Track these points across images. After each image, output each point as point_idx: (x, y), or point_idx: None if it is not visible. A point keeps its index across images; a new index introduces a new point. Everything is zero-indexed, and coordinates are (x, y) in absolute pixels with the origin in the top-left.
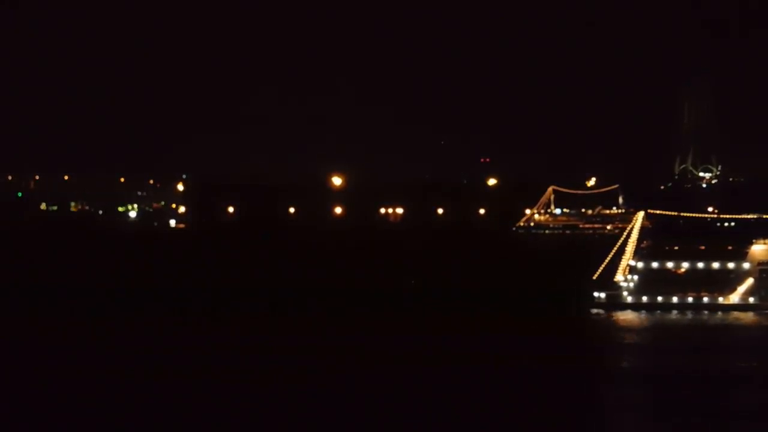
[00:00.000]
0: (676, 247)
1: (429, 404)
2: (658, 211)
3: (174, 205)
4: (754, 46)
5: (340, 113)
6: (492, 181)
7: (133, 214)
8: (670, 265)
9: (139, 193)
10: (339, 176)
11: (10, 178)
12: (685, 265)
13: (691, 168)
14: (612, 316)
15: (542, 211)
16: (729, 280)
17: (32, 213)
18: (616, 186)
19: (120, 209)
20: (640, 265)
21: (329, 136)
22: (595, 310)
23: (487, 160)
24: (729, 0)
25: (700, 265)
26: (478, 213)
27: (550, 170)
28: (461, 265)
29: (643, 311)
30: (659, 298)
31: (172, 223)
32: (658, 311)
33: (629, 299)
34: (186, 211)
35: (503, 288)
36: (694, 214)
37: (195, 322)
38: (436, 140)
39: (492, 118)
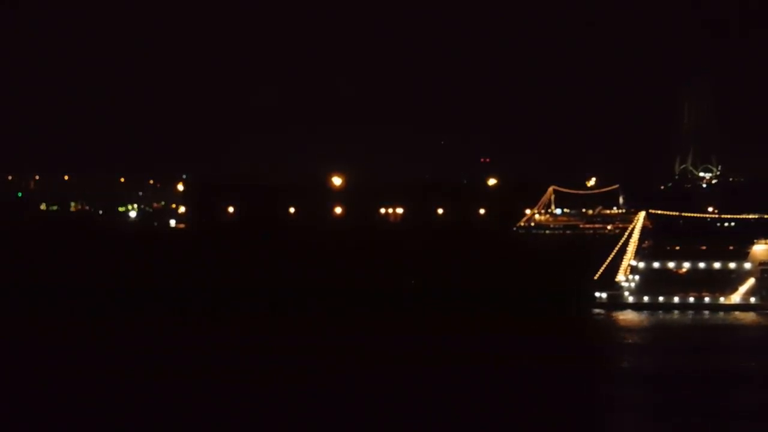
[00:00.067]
0: (678, 247)
1: (429, 404)
2: (659, 211)
3: (174, 205)
4: (754, 46)
5: (340, 113)
6: (492, 181)
7: (133, 214)
8: (671, 265)
9: (140, 193)
10: (339, 176)
11: (10, 178)
12: (687, 265)
13: (691, 168)
14: (613, 316)
15: (543, 211)
16: (730, 280)
17: (32, 213)
18: (616, 186)
19: (120, 209)
20: (641, 265)
21: (329, 136)
22: (596, 310)
23: (487, 160)
24: (729, 0)
25: (702, 265)
26: (478, 213)
27: (550, 170)
28: (461, 265)
29: (645, 311)
30: (660, 298)
31: (172, 223)
32: (660, 311)
33: (630, 299)
34: (186, 211)
35: (503, 288)
36: (695, 214)
37: (195, 322)
38: (436, 140)
39: (492, 118)
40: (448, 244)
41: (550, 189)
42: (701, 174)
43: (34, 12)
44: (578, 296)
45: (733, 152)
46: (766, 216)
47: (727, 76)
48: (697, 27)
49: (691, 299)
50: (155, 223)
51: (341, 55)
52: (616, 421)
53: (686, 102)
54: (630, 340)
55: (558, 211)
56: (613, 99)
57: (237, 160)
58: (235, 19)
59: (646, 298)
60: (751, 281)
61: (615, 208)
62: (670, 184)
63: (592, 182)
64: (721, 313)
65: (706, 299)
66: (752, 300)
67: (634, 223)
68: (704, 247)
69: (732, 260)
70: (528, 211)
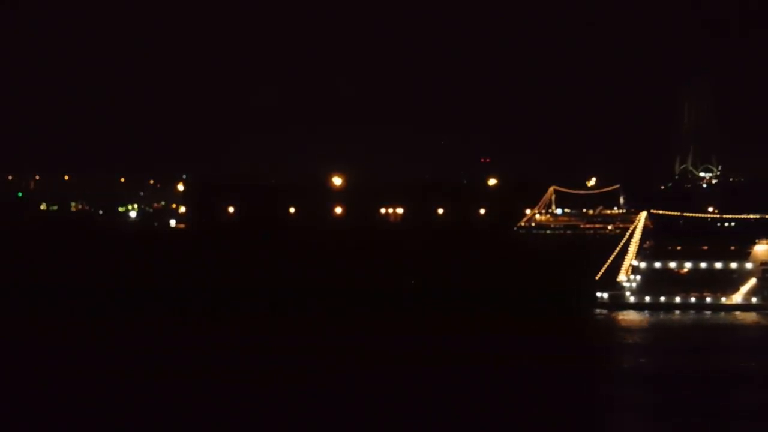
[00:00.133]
0: (679, 248)
1: (429, 404)
2: (661, 212)
3: (174, 205)
4: (754, 46)
5: (340, 113)
6: (492, 181)
7: (133, 214)
8: (672, 265)
9: (141, 193)
10: (339, 176)
11: (10, 178)
12: (688, 265)
13: (691, 168)
14: (614, 316)
15: (543, 211)
16: (732, 281)
17: (32, 213)
18: (617, 186)
19: (120, 209)
20: (642, 265)
21: (329, 136)
22: (597, 310)
23: (487, 160)
24: (729, 0)
25: (703, 265)
26: (478, 213)
27: (550, 170)
28: (461, 265)
29: (646, 311)
30: (662, 299)
31: (172, 223)
32: (661, 311)
33: (632, 299)
34: (186, 211)
35: (504, 288)
36: (696, 215)
37: (195, 322)
38: (436, 140)
39: (492, 118)
40: (448, 244)
41: (551, 189)
42: (701, 174)
43: (34, 12)
44: (579, 296)
45: (733, 152)
46: (767, 216)
47: (727, 76)
48: (697, 27)
49: (693, 299)
50: (155, 223)
51: (341, 55)
52: (616, 421)
53: (686, 102)
54: (631, 340)
55: (558, 211)
56: (613, 99)
57: (237, 160)
58: (235, 19)
59: (647, 298)
60: (753, 281)
61: (615, 208)
62: (670, 184)
63: (592, 182)
64: (723, 313)
65: (708, 299)
66: (754, 300)
67: (635, 223)
68: (705, 247)
69: (733, 260)
70: (528, 211)
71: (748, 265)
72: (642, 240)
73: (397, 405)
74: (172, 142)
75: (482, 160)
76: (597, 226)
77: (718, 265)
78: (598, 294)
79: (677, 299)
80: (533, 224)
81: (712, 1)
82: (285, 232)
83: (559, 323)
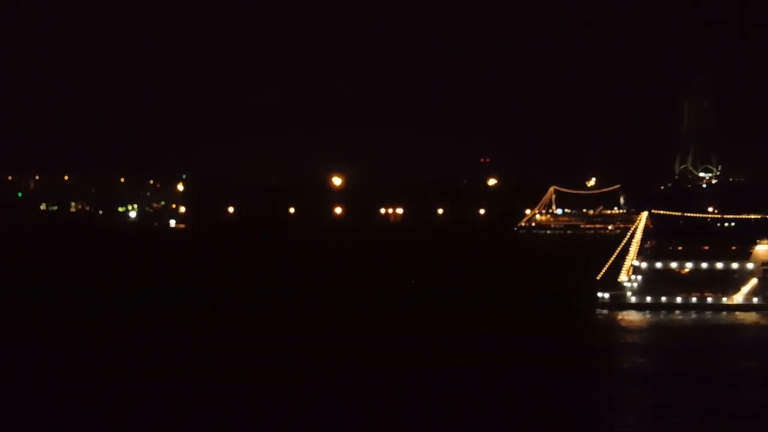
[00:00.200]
0: (680, 248)
1: (429, 404)
2: (662, 212)
3: (174, 205)
4: (754, 46)
5: (340, 113)
6: (492, 181)
7: (133, 214)
8: (673, 265)
9: (146, 193)
10: (339, 176)
11: (10, 178)
12: (689, 265)
13: (691, 168)
14: (616, 316)
15: (543, 211)
16: (733, 281)
17: (32, 213)
18: (617, 186)
19: (120, 209)
20: (643, 265)
21: (329, 136)
22: (598, 310)
23: (487, 160)
24: (729, 0)
25: (704, 265)
26: (478, 213)
27: (550, 170)
28: (461, 265)
29: (647, 311)
30: (663, 299)
31: (172, 223)
32: (662, 311)
33: (633, 299)
34: (186, 211)
35: (504, 288)
36: (698, 215)
37: (195, 322)
38: (436, 140)
39: (492, 118)
40: (448, 244)
41: (551, 189)
42: (701, 174)
43: (34, 12)
44: (580, 296)
45: (733, 152)
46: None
47: (727, 76)
48: (697, 27)
49: (694, 299)
50: (155, 223)
51: (341, 55)
52: (616, 421)
53: (686, 102)
54: (632, 340)
55: (559, 211)
56: (613, 99)
57: (237, 160)
58: (235, 20)
59: (648, 299)
60: (754, 281)
61: (616, 208)
62: (670, 184)
63: (592, 182)
64: (724, 314)
65: (709, 299)
66: (755, 300)
67: (636, 224)
68: (707, 248)
69: (734, 260)
70: (528, 211)
71: (749, 266)
72: (643, 240)
73: (397, 405)
74: (172, 142)
75: (482, 160)
76: (597, 226)
77: (720, 265)
78: (599, 294)
79: (678, 299)
80: (534, 224)
81: (712, 1)
82: (285, 232)
83: (559, 323)
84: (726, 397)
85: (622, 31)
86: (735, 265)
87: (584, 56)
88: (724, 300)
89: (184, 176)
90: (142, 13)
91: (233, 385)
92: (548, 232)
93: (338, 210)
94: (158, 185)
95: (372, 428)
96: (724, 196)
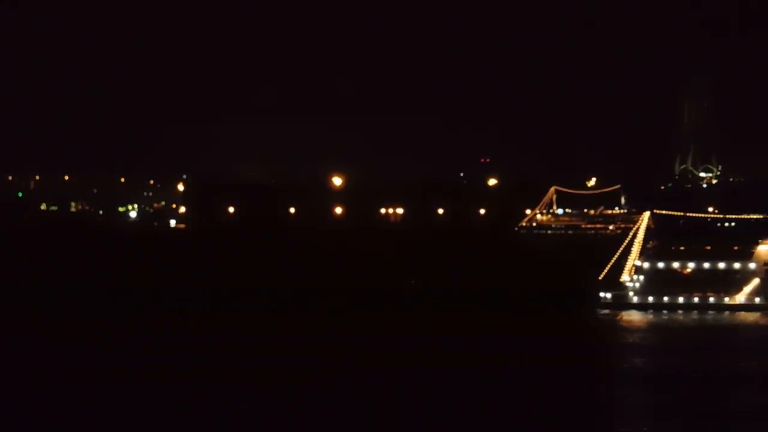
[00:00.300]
0: (682, 248)
1: (429, 404)
2: (664, 212)
3: (174, 205)
4: (754, 46)
5: (340, 113)
6: (492, 181)
7: (133, 214)
8: (676, 265)
9: (146, 193)
10: (339, 176)
11: (10, 178)
12: (691, 265)
13: (691, 168)
14: (618, 316)
15: (544, 211)
16: (735, 281)
17: (32, 213)
18: (618, 186)
19: (120, 209)
20: (646, 265)
21: (329, 136)
22: (600, 311)
23: (487, 160)
24: (729, 0)
25: (706, 265)
26: (478, 213)
27: (550, 170)
28: (461, 265)
29: (649, 311)
30: (665, 299)
31: (172, 223)
32: (664, 311)
33: (635, 299)
34: (186, 211)
35: (505, 288)
36: (699, 215)
37: (195, 322)
38: (436, 140)
39: (492, 118)
40: (448, 244)
41: (552, 189)
42: (701, 174)
43: (34, 12)
44: (582, 296)
45: (733, 152)
46: None
47: (727, 76)
48: (697, 27)
49: (696, 299)
50: (155, 223)
51: (341, 55)
52: (616, 421)
53: (686, 102)
54: (633, 340)
55: (560, 211)
56: (613, 99)
57: (237, 160)
58: (235, 19)
59: (650, 299)
60: (756, 281)
61: (616, 208)
62: (670, 184)
63: (592, 182)
64: (726, 314)
65: (711, 299)
66: (757, 300)
67: (638, 224)
68: (709, 248)
69: (736, 260)
70: (528, 211)
71: (752, 266)
72: (645, 240)
73: (397, 405)
74: (172, 142)
75: (482, 160)
76: (598, 226)
77: (721, 265)
78: (601, 294)
79: (680, 299)
80: (534, 224)
81: (712, 1)
82: (285, 232)
83: (560, 323)
84: (726, 397)
85: (622, 31)
86: (737, 265)
87: (584, 56)
88: (726, 300)
89: (184, 176)
90: (142, 13)
91: (233, 385)
92: (549, 232)
93: (338, 210)
94: (158, 185)
95: (372, 428)
96: (724, 196)
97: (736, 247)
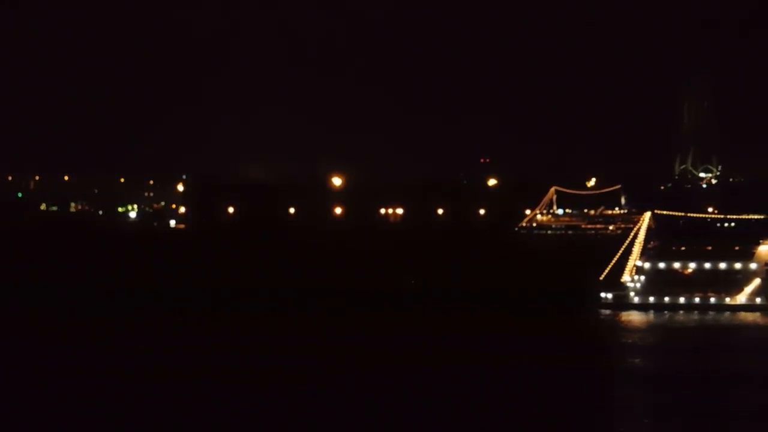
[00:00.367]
0: (683, 248)
1: (429, 404)
2: (665, 212)
3: (174, 206)
4: (754, 46)
5: (340, 113)
6: (492, 181)
7: (133, 214)
8: (677, 265)
9: (147, 194)
10: (339, 176)
11: (10, 178)
12: (692, 265)
13: (691, 168)
14: (618, 317)
15: (545, 211)
16: (736, 281)
17: (32, 213)
18: (618, 186)
19: (120, 209)
20: (647, 265)
21: (329, 136)
22: (601, 311)
23: (487, 160)
24: (729, 0)
25: (707, 265)
26: (478, 213)
27: (550, 170)
28: (461, 265)
29: (650, 312)
30: (666, 299)
31: (172, 223)
32: (665, 312)
33: (636, 300)
34: (186, 211)
35: (505, 288)
36: (700, 215)
37: (195, 322)
38: (436, 140)
39: (492, 119)
40: (448, 244)
41: (552, 189)
42: (701, 174)
43: (34, 12)
44: (583, 296)
45: (733, 152)
46: None
47: (727, 76)
48: (697, 27)
49: (697, 300)
50: (155, 224)
51: (341, 55)
52: (616, 421)
53: (686, 102)
54: (634, 341)
55: (560, 211)
56: (613, 99)
57: (237, 160)
58: (234, 19)
59: (651, 299)
60: (757, 282)
61: (617, 208)
62: (670, 185)
63: (592, 182)
64: (727, 314)
65: (712, 300)
66: (758, 300)
67: (639, 224)
68: (710, 248)
69: (738, 261)
70: (528, 212)
71: (753, 266)
72: (646, 240)
73: (397, 405)
74: (172, 142)
75: (482, 160)
76: (598, 226)
77: (723, 265)
78: (602, 294)
79: (681, 300)
80: (534, 224)
81: (712, 1)
82: (285, 232)
83: (561, 323)
84: (726, 397)
85: (622, 31)
86: (738, 266)
87: (584, 56)
88: (727, 300)
89: (184, 176)
90: (142, 13)
91: (233, 385)
92: (549, 232)
93: (338, 210)
94: (158, 185)
95: (372, 428)
96: (724, 196)
97: (737, 248)
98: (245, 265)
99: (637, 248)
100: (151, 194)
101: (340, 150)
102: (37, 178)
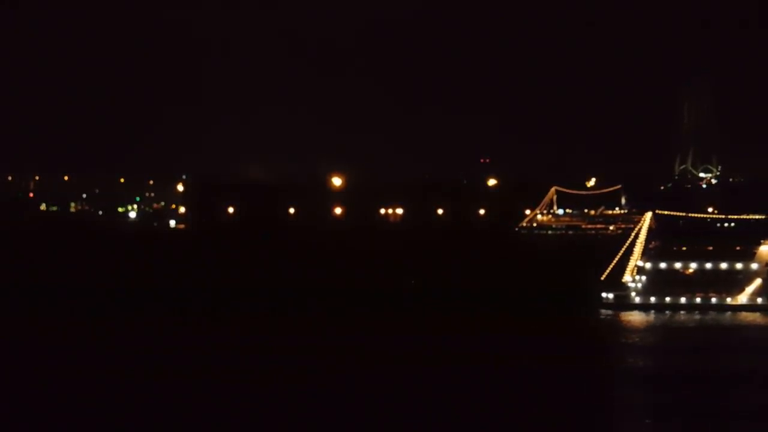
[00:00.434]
0: (684, 248)
1: (429, 404)
2: (666, 212)
3: (174, 206)
4: (754, 46)
5: (340, 113)
6: (492, 181)
7: (132, 214)
8: (678, 265)
9: (147, 194)
10: (339, 176)
11: (10, 178)
12: (693, 265)
13: (691, 168)
14: (619, 317)
15: (545, 211)
16: (737, 281)
17: (32, 213)
18: (618, 186)
19: (120, 210)
20: (648, 265)
21: (329, 136)
22: (602, 311)
23: (487, 160)
24: (729, 0)
25: (708, 265)
26: (478, 213)
27: (550, 170)
28: (461, 265)
29: (651, 312)
30: (667, 299)
31: (172, 223)
32: (666, 312)
33: (637, 300)
34: (186, 211)
35: (505, 288)
36: (701, 215)
37: (195, 322)
38: (436, 140)
39: (492, 119)
40: (448, 244)
41: (552, 189)
42: (701, 174)
43: (34, 12)
44: (584, 296)
45: (733, 152)
46: None
47: (727, 76)
48: (697, 27)
49: (698, 300)
50: (155, 224)
51: (341, 55)
52: (616, 421)
53: (686, 102)
54: (634, 341)
55: (560, 211)
56: (613, 99)
57: (237, 160)
58: (234, 19)
59: (652, 299)
60: (758, 282)
61: (617, 208)
62: (670, 185)
63: (592, 182)
64: (728, 314)
65: (713, 300)
66: (759, 300)
67: (640, 224)
68: (711, 248)
69: (739, 261)
70: (528, 212)
71: (754, 266)
72: (647, 240)
73: (397, 405)
74: (172, 142)
75: (482, 160)
76: (599, 226)
77: (724, 265)
78: (603, 294)
79: (682, 300)
80: (535, 224)
81: (712, 1)
82: (285, 232)
83: (561, 323)
84: (726, 397)
85: (622, 31)
86: (739, 266)
87: (584, 56)
88: (729, 300)
89: (184, 176)
90: (142, 13)
91: (233, 385)
92: (549, 232)
93: (338, 210)
94: (158, 185)
95: (372, 428)
96: (724, 196)
97: (738, 248)
98: (245, 265)
99: (638, 248)
100: (152, 194)
101: (340, 150)
102: (37, 178)
